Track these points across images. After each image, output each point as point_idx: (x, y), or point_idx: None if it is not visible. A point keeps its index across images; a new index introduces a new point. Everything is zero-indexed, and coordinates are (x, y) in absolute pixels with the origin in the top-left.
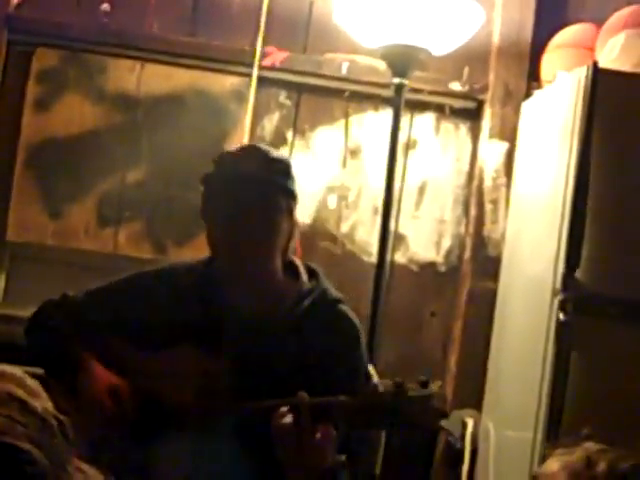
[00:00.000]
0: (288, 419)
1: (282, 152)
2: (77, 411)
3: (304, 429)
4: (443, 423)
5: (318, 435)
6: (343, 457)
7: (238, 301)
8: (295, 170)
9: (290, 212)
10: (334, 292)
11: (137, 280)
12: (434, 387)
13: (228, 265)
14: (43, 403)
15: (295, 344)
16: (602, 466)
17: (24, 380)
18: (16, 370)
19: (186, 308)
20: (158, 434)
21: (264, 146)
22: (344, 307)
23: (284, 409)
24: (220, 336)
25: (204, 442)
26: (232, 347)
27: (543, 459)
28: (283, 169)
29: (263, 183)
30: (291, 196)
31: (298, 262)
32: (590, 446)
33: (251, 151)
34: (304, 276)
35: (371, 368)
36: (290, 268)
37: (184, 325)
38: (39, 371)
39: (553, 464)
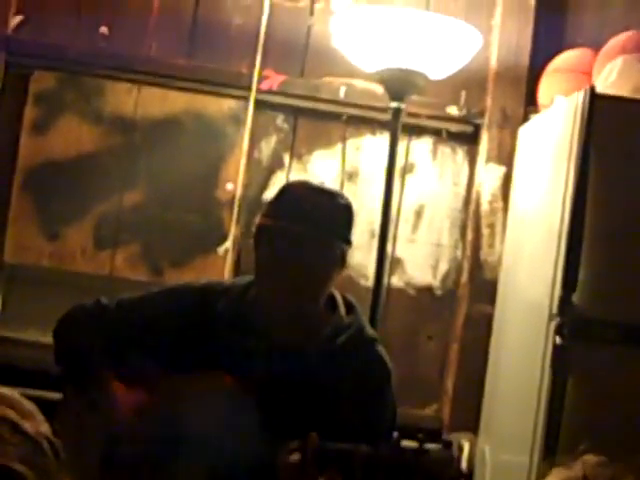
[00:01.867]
0: (295, 458)
1: (345, 196)
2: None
3: (306, 472)
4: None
5: (321, 479)
6: None
7: (273, 329)
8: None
9: (344, 258)
10: (371, 330)
11: (172, 295)
12: (456, 451)
13: (268, 304)
14: (36, 425)
15: (327, 378)
16: None
17: (19, 402)
18: (12, 392)
19: (218, 331)
20: (176, 458)
21: (330, 188)
22: (380, 348)
23: (292, 447)
24: (249, 364)
25: (221, 470)
26: (261, 376)
27: (543, 475)
28: (345, 216)
29: (322, 229)
30: (348, 242)
31: (337, 294)
32: (589, 459)
33: (316, 192)
34: (342, 309)
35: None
36: (328, 299)
37: (214, 348)
38: (37, 393)
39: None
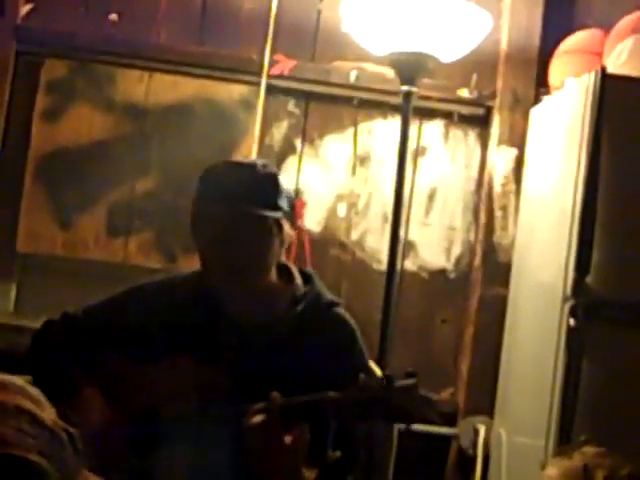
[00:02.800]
0: (257, 419)
1: (268, 164)
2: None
3: (273, 429)
4: (455, 430)
5: (288, 437)
6: (337, 453)
7: (232, 309)
8: (283, 181)
9: (279, 225)
10: (329, 295)
11: (134, 294)
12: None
13: (220, 282)
14: (50, 414)
15: (291, 348)
16: (600, 473)
17: (29, 391)
18: (17, 380)
19: (182, 319)
20: (158, 444)
21: (248, 160)
22: (338, 310)
23: (257, 410)
24: (216, 344)
25: (203, 449)
26: (228, 354)
27: (543, 467)
28: (270, 186)
29: (247, 203)
30: (278, 210)
31: (292, 266)
32: (588, 450)
33: (235, 168)
34: (298, 280)
35: (373, 365)
36: (284, 272)
37: (181, 336)
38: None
39: (552, 469)
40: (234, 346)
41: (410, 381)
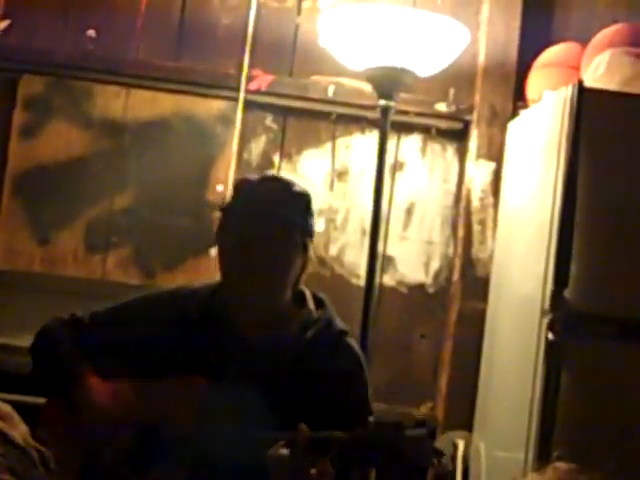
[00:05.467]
0: (285, 452)
1: (302, 186)
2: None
3: (299, 463)
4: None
5: (313, 471)
6: None
7: (242, 328)
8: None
9: (305, 248)
10: (340, 323)
11: (144, 303)
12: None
13: (237, 295)
14: (22, 433)
15: (298, 373)
16: None
17: (0, 409)
18: None
19: (190, 333)
20: (157, 461)
21: (285, 178)
22: (349, 339)
23: (282, 441)
24: (223, 363)
25: (204, 471)
26: (235, 374)
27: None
28: (302, 205)
29: (280, 219)
30: (307, 233)
31: (306, 290)
32: (560, 466)
33: (272, 183)
34: (311, 305)
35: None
36: (298, 296)
37: (188, 351)
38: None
39: None
40: (240, 367)
41: (421, 431)
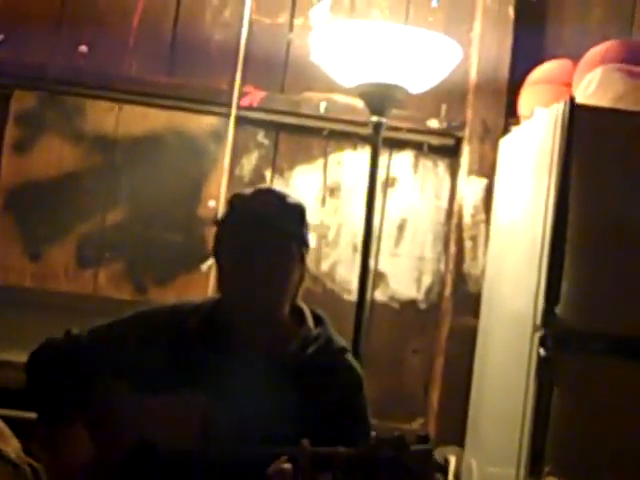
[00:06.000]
0: (287, 467)
1: (296, 198)
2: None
3: (302, 479)
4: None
5: None
6: None
7: (242, 345)
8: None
9: (302, 259)
10: (339, 340)
11: (142, 319)
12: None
13: (236, 309)
14: (15, 448)
15: (298, 391)
16: None
17: None
18: None
19: (190, 349)
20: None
21: (279, 190)
22: (348, 357)
23: (284, 457)
24: (223, 380)
25: None
26: (234, 391)
27: None
28: (297, 216)
29: (277, 230)
30: (304, 244)
31: (305, 307)
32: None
33: (266, 196)
34: (310, 322)
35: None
36: (296, 313)
37: (188, 367)
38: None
39: None
40: (239, 384)
41: (425, 447)
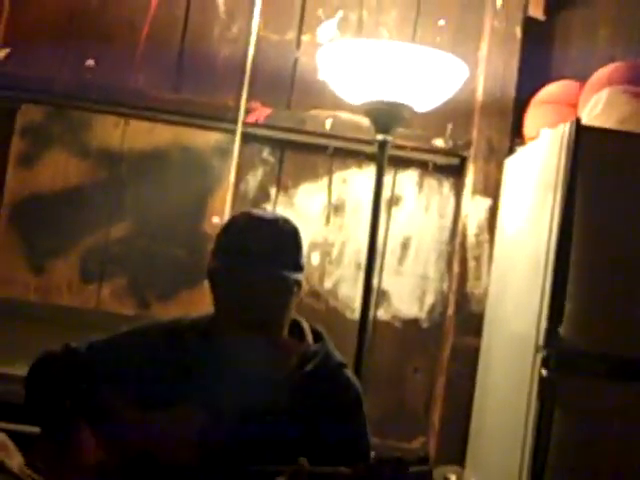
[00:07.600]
0: None
1: (289, 220)
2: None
3: None
4: None
5: None
6: None
7: (241, 361)
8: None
9: (299, 284)
10: (338, 356)
11: (140, 333)
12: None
13: (233, 333)
14: (19, 463)
15: (298, 406)
16: None
17: None
18: None
19: (189, 365)
20: None
21: (270, 215)
22: (347, 372)
23: (283, 475)
24: (222, 395)
25: None
26: (232, 407)
27: None
28: (292, 244)
29: (274, 269)
30: (300, 270)
31: (304, 323)
32: None
33: (257, 224)
34: (309, 337)
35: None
36: (295, 328)
37: (186, 382)
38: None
39: None
40: (238, 400)
41: (423, 468)
